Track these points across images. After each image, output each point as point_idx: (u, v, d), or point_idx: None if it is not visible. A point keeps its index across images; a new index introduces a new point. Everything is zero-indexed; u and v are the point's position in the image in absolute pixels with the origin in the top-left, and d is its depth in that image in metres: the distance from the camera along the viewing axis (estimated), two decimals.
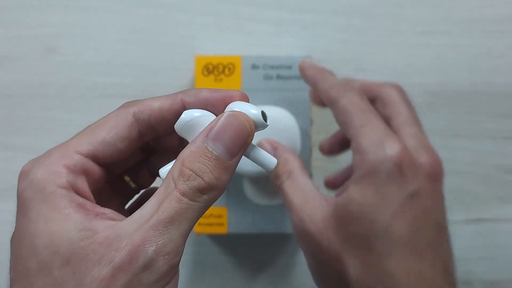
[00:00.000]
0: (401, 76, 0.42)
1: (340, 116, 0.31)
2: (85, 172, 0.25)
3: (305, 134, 0.39)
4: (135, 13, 0.42)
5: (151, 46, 0.42)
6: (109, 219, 0.24)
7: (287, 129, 0.38)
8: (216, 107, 0.26)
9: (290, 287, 0.44)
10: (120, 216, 0.24)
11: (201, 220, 0.40)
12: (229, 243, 0.43)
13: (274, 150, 0.35)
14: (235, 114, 0.24)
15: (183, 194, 0.23)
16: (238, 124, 0.24)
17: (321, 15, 0.42)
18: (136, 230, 0.22)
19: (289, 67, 0.39)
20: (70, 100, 0.43)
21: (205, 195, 0.23)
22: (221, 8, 0.42)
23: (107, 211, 0.24)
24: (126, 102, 0.27)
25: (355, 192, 0.29)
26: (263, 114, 0.25)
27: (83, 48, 0.42)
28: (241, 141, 0.24)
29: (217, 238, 0.43)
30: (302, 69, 0.36)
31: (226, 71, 0.39)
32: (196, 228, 0.40)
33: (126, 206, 0.30)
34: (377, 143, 0.29)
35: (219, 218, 0.40)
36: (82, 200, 0.24)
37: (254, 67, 0.39)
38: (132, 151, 0.27)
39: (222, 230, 0.40)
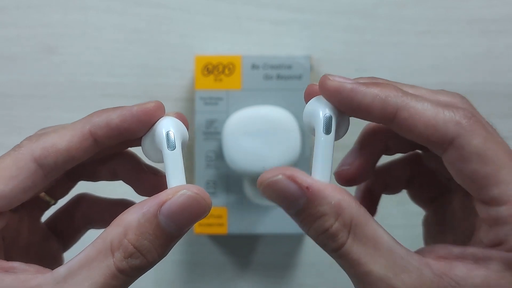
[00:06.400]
0: (401, 76, 0.42)
1: (469, 164, 0.21)
2: None
3: (305, 134, 0.39)
4: (135, 13, 0.42)
5: (151, 46, 0.42)
6: (22, 272, 0.22)
7: (287, 129, 0.38)
8: (133, 132, 0.23)
9: (290, 287, 0.44)
10: (30, 267, 0.22)
11: (201, 220, 0.40)
12: (229, 243, 0.43)
13: (306, 191, 0.21)
14: (197, 198, 0.22)
15: (121, 272, 0.21)
16: (198, 210, 0.22)
17: (321, 15, 0.42)
18: None
19: (289, 67, 0.39)
20: (70, 100, 0.42)
21: (144, 271, 0.22)
22: (221, 8, 0.42)
23: (16, 264, 0.22)
24: (27, 139, 0.24)
25: (504, 279, 0.20)
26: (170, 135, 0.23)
27: (83, 48, 0.42)
28: (196, 221, 0.22)
29: (217, 238, 0.43)
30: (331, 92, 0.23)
31: (226, 71, 0.39)
32: (196, 229, 0.40)
33: (43, 220, 0.28)
34: None
35: (219, 218, 0.40)
36: None
37: (254, 67, 0.39)
38: (40, 191, 0.25)
39: (222, 230, 0.40)
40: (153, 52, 0.42)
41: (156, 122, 0.24)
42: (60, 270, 0.21)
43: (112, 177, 0.28)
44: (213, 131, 0.39)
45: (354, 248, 0.21)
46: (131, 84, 0.42)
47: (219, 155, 0.39)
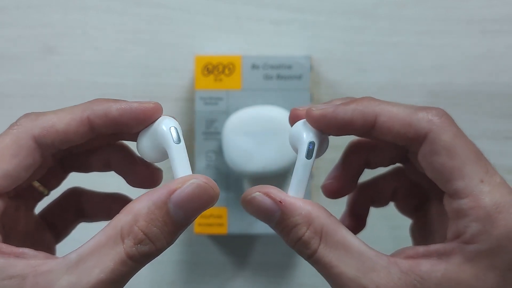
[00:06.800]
0: (401, 76, 0.42)
1: (438, 157, 0.23)
2: None
3: None
4: (135, 13, 0.42)
5: (151, 46, 0.42)
6: (32, 258, 0.22)
7: (287, 129, 0.38)
8: (129, 127, 0.24)
9: (290, 287, 0.44)
10: (39, 253, 0.22)
11: (201, 220, 0.40)
12: (229, 243, 0.43)
13: (280, 205, 0.24)
14: (205, 187, 0.22)
15: (130, 258, 0.22)
16: (207, 198, 0.23)
17: (321, 15, 0.42)
18: (72, 286, 0.21)
19: (289, 67, 0.39)
20: (70, 100, 0.42)
21: (153, 258, 0.22)
22: (221, 8, 0.42)
23: (26, 250, 0.22)
24: (25, 116, 0.24)
25: (464, 271, 0.21)
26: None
27: (83, 48, 0.42)
28: (203, 211, 0.23)
29: (217, 238, 0.43)
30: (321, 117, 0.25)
31: (226, 71, 0.39)
32: (196, 228, 0.40)
33: (37, 211, 0.28)
34: (508, 211, 0.22)
35: (219, 218, 0.40)
36: None
37: (254, 67, 0.39)
38: (40, 173, 0.26)
39: (222, 230, 0.40)
40: (153, 52, 0.42)
41: (152, 122, 0.24)
42: (71, 256, 0.22)
43: (104, 167, 0.28)
44: (213, 131, 0.39)
45: (326, 253, 0.23)
46: (131, 84, 0.42)
47: (219, 155, 0.39)
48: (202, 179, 0.23)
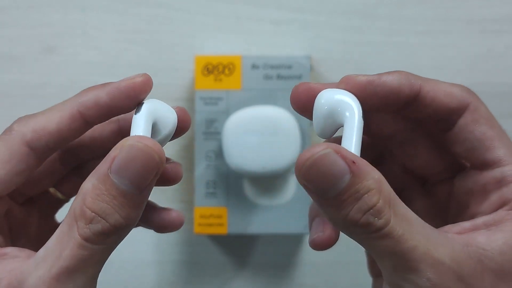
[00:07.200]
0: None
1: (480, 126, 0.24)
2: None
3: (305, 134, 0.39)
4: (135, 13, 0.42)
5: (151, 46, 0.42)
6: (13, 258, 0.22)
7: (287, 129, 0.38)
8: (122, 109, 0.23)
9: (290, 287, 0.44)
10: (22, 252, 0.22)
11: (201, 220, 0.40)
12: (229, 243, 0.43)
13: (352, 166, 0.20)
14: (142, 148, 0.20)
15: (86, 240, 0.20)
16: (146, 158, 0.20)
17: (321, 15, 0.42)
18: (39, 280, 0.20)
19: (289, 67, 0.39)
20: None
21: (111, 236, 0.21)
22: (221, 8, 0.42)
23: (9, 249, 0.22)
24: (17, 121, 0.24)
25: None
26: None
27: (83, 48, 0.42)
28: (149, 174, 0.21)
29: (217, 238, 0.43)
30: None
31: (226, 71, 0.39)
32: (196, 228, 0.40)
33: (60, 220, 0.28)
34: None
35: (219, 218, 0.40)
36: None
37: (254, 67, 0.39)
38: (40, 176, 0.25)
39: (222, 230, 0.40)
40: (153, 52, 0.42)
41: (144, 97, 0.23)
42: (40, 252, 0.21)
43: None
44: (213, 131, 0.39)
45: (398, 225, 0.20)
46: None
47: (219, 155, 0.39)
48: (136, 139, 0.21)
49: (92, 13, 0.42)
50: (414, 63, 0.42)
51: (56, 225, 0.28)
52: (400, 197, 0.28)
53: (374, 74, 0.24)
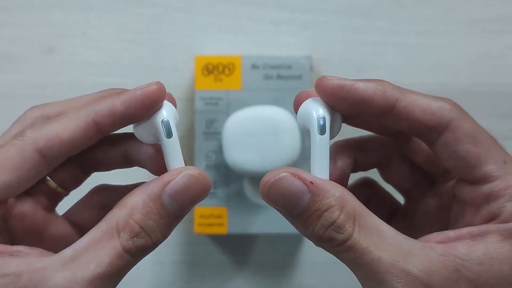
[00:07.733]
0: (401, 76, 0.42)
1: (463, 145, 0.23)
2: None
3: (305, 134, 0.39)
4: (135, 13, 0.42)
5: (151, 46, 0.42)
6: (27, 255, 0.22)
7: (287, 129, 0.38)
8: (138, 117, 0.24)
9: (290, 287, 0.44)
10: (34, 250, 0.22)
11: (201, 220, 0.40)
12: (229, 243, 0.43)
13: (310, 186, 0.22)
14: (199, 178, 0.23)
15: (127, 251, 0.22)
16: (200, 188, 0.23)
17: (321, 15, 0.42)
18: (68, 281, 0.21)
19: (289, 67, 0.39)
20: None
21: (148, 252, 0.22)
22: (221, 8, 0.42)
23: (21, 248, 0.22)
24: (29, 127, 0.24)
25: (504, 248, 0.21)
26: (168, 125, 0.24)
27: (83, 48, 0.42)
28: (197, 202, 0.23)
29: (217, 238, 0.43)
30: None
31: (226, 71, 0.39)
32: (196, 228, 0.40)
33: (61, 213, 0.28)
34: None
35: (219, 218, 0.40)
36: None
37: (254, 67, 0.39)
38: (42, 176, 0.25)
39: (222, 230, 0.40)
40: (153, 52, 0.42)
41: (159, 106, 0.24)
42: (66, 252, 0.22)
43: (125, 163, 0.27)
44: (213, 131, 0.39)
45: (361, 238, 0.21)
46: (131, 84, 0.42)
47: (219, 155, 0.39)
48: (195, 170, 0.23)
49: (92, 13, 0.42)
50: (414, 63, 0.42)
51: (59, 220, 0.28)
52: (408, 196, 0.28)
53: (351, 79, 0.23)
